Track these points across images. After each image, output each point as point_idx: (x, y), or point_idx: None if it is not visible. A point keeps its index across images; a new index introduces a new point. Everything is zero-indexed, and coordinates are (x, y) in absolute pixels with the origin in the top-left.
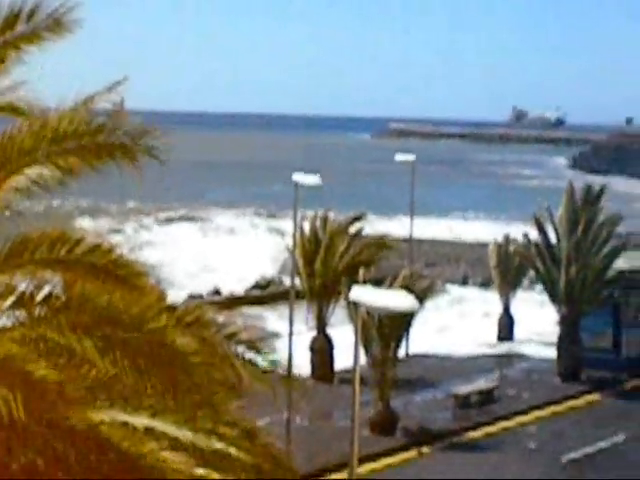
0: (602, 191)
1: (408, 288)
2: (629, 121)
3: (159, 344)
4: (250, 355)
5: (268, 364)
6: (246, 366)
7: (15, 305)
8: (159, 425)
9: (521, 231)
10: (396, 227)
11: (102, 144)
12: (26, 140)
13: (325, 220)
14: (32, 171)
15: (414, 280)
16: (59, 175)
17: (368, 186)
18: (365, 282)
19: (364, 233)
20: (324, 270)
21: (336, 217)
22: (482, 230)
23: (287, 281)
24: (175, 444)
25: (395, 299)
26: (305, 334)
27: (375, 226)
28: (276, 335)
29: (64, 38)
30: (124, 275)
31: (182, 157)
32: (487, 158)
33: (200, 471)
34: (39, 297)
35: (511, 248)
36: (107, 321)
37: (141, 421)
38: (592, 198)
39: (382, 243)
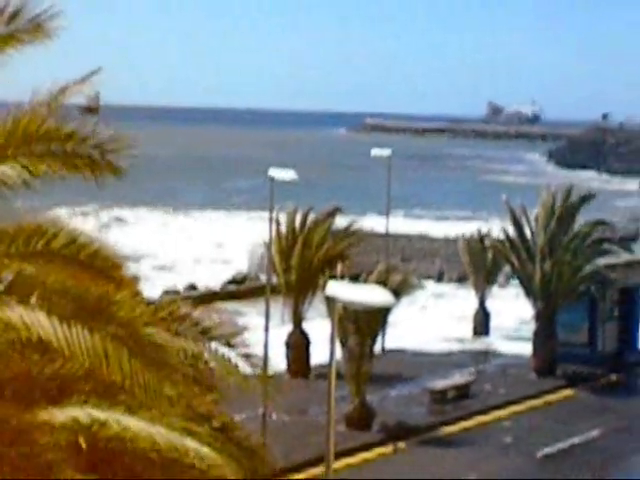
0: (589, 197)
1: (383, 283)
2: (605, 116)
3: (133, 335)
4: (224, 350)
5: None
6: (220, 361)
7: None
8: (133, 422)
9: (497, 227)
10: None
11: (69, 153)
12: None
13: (305, 215)
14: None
15: (389, 275)
16: (25, 175)
17: (344, 180)
18: (342, 277)
19: (339, 227)
20: (301, 265)
21: (311, 212)
22: (459, 226)
23: (263, 276)
24: (150, 441)
25: (371, 294)
26: (282, 329)
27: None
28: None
29: (44, 43)
30: (101, 267)
31: (152, 153)
32: (463, 153)
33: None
34: (3, 284)
35: (486, 243)
36: (83, 311)
37: (115, 417)
38: (572, 200)
39: (356, 237)
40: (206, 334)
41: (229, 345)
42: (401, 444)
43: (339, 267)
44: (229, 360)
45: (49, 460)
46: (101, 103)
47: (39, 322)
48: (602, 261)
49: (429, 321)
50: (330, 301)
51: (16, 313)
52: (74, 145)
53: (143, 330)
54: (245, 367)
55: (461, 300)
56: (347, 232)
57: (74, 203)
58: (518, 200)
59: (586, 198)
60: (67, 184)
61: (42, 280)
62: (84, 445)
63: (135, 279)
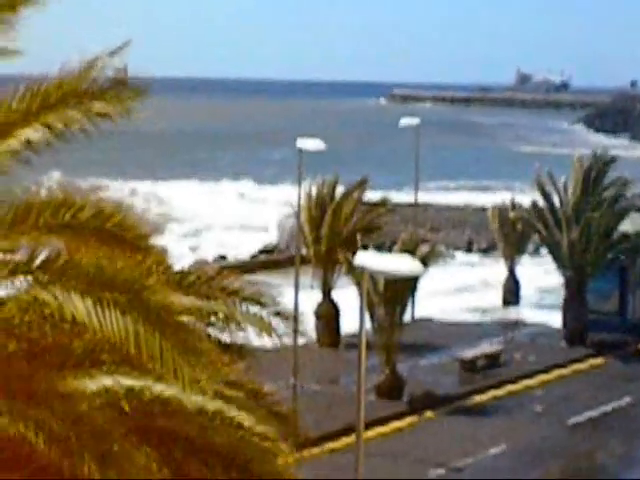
0: (612, 160)
1: (410, 252)
2: (634, 84)
3: (155, 303)
4: (255, 310)
5: None
6: (252, 320)
7: (14, 271)
8: (164, 389)
9: (527, 197)
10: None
11: (89, 107)
12: (19, 104)
13: (332, 186)
14: (23, 133)
15: (415, 244)
16: (48, 136)
17: (374, 150)
18: (366, 247)
19: (367, 198)
20: (330, 235)
21: (339, 182)
22: (488, 195)
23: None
24: (180, 408)
25: (400, 263)
26: (311, 299)
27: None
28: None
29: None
30: (129, 238)
31: (182, 127)
32: (491, 122)
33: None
34: (37, 262)
35: (512, 213)
36: (103, 283)
37: (147, 384)
38: (599, 164)
39: (386, 208)
40: (236, 295)
41: (260, 304)
42: (431, 413)
43: (358, 237)
44: (261, 318)
45: (92, 426)
46: (129, 75)
47: (72, 303)
48: (631, 228)
49: (458, 290)
50: (359, 271)
51: (50, 293)
52: (91, 96)
53: (175, 315)
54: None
55: (491, 269)
56: (376, 203)
57: (108, 176)
58: (547, 169)
59: (609, 162)
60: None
61: (76, 259)
62: (127, 408)
63: (164, 249)
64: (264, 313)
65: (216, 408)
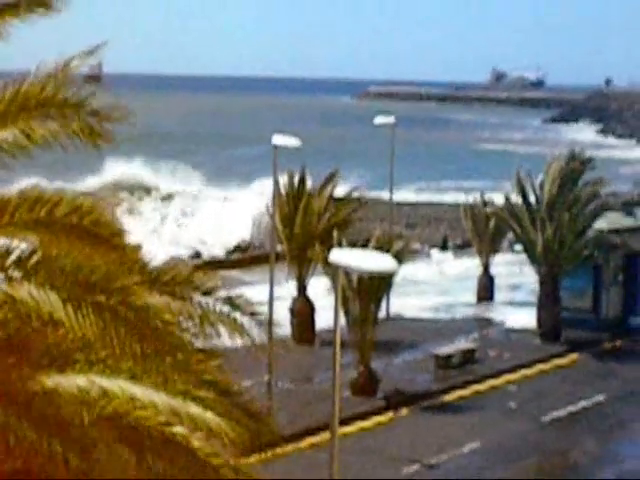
0: (589, 160)
1: (384, 249)
2: (608, 82)
3: (130, 304)
4: (228, 310)
5: None
6: (226, 321)
7: None
8: (137, 389)
9: (500, 195)
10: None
11: (67, 119)
12: None
13: (302, 180)
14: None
15: (389, 241)
16: (23, 141)
17: (349, 147)
18: (340, 244)
19: (341, 194)
20: (303, 232)
21: (308, 175)
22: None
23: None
24: (153, 408)
25: (375, 260)
26: (286, 297)
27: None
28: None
29: (49, 15)
30: (105, 235)
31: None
32: (467, 119)
33: (178, 429)
34: (11, 258)
35: (487, 209)
36: (78, 281)
37: (119, 384)
38: (576, 163)
39: (358, 203)
40: (209, 295)
41: (233, 305)
42: (405, 410)
43: (335, 234)
44: (234, 320)
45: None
46: (103, 71)
47: (49, 301)
48: (605, 226)
49: (434, 286)
50: (334, 268)
51: (26, 291)
52: (71, 111)
53: (138, 297)
54: (250, 328)
55: (465, 266)
56: (349, 199)
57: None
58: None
59: (586, 162)
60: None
61: (52, 256)
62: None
63: (138, 246)
64: (237, 315)
65: (187, 410)
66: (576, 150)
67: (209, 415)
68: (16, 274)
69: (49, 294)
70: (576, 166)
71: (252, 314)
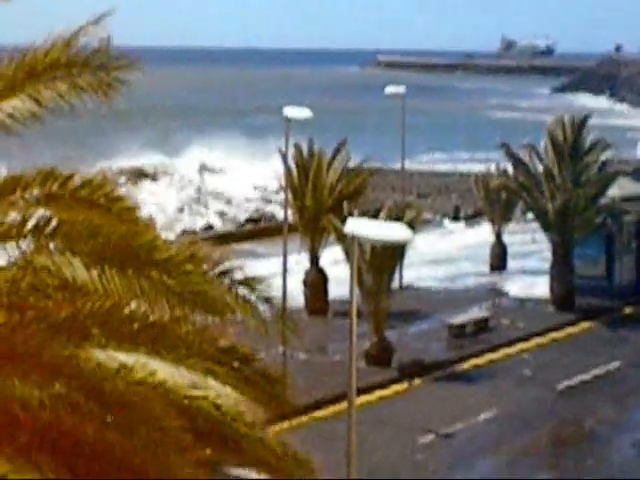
0: (586, 119)
1: (396, 218)
2: (618, 49)
3: (153, 259)
4: (244, 292)
5: None
6: (238, 303)
7: (4, 236)
8: (155, 363)
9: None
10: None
11: (75, 76)
12: (4, 73)
13: (310, 152)
14: (8, 104)
15: (401, 211)
16: (33, 107)
17: (361, 118)
18: (351, 215)
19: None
20: (314, 203)
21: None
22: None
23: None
24: (173, 381)
25: (390, 230)
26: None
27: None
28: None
29: None
30: (117, 209)
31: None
32: (476, 88)
33: (195, 393)
34: (28, 227)
35: (497, 180)
36: (101, 247)
37: (137, 358)
38: (576, 127)
39: (369, 173)
40: (225, 275)
41: (250, 287)
42: (419, 380)
43: (345, 205)
44: (249, 302)
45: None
46: (112, 44)
47: (69, 264)
48: (618, 193)
49: (446, 256)
50: (349, 239)
51: (45, 256)
52: (79, 69)
53: (180, 270)
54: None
55: (477, 235)
56: (360, 169)
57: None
58: (528, 136)
59: (585, 120)
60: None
61: (67, 223)
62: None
63: (152, 220)
64: (253, 297)
65: (206, 385)
66: (571, 116)
67: (228, 389)
68: (34, 242)
69: (70, 258)
70: (574, 129)
71: (267, 299)
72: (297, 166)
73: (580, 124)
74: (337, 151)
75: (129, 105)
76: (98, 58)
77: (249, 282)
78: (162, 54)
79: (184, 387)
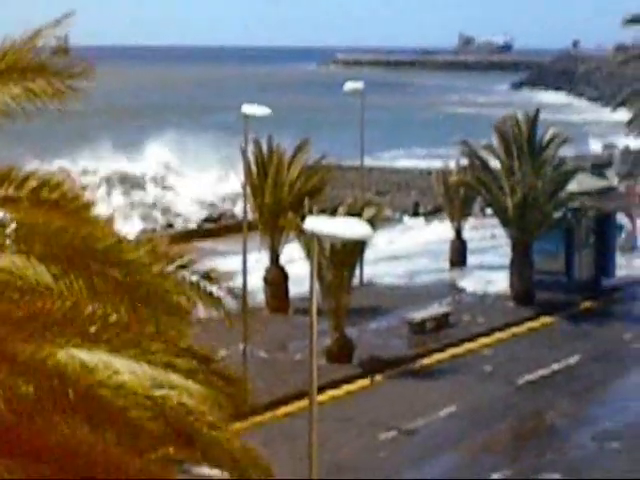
0: (538, 113)
1: (356, 215)
2: (575, 44)
3: (116, 261)
4: (204, 284)
5: None
6: (201, 295)
7: None
8: (117, 361)
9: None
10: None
11: (29, 81)
12: None
13: (270, 149)
14: None
15: (361, 207)
16: None
17: (319, 115)
18: (310, 212)
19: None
20: (273, 201)
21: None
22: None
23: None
24: (135, 378)
25: (350, 227)
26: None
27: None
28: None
29: None
30: (75, 208)
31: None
32: (434, 84)
33: (158, 393)
34: None
35: (455, 177)
36: (61, 248)
37: (99, 357)
38: (529, 121)
39: (327, 171)
40: (186, 268)
41: (209, 279)
42: (379, 377)
43: (306, 202)
44: (210, 293)
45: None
46: (72, 44)
47: (32, 268)
48: (576, 188)
49: (405, 252)
50: (309, 236)
51: (6, 259)
52: (34, 74)
53: (140, 269)
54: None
55: (436, 231)
56: (319, 166)
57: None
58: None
59: (536, 114)
60: None
61: (27, 225)
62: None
63: (110, 218)
64: (214, 289)
65: (169, 380)
66: (524, 111)
67: (190, 384)
68: None
69: (32, 261)
70: (527, 124)
71: (228, 289)
72: (256, 163)
73: (533, 118)
74: (298, 149)
75: (86, 105)
76: (54, 63)
77: (211, 274)
78: (122, 52)
79: (147, 386)
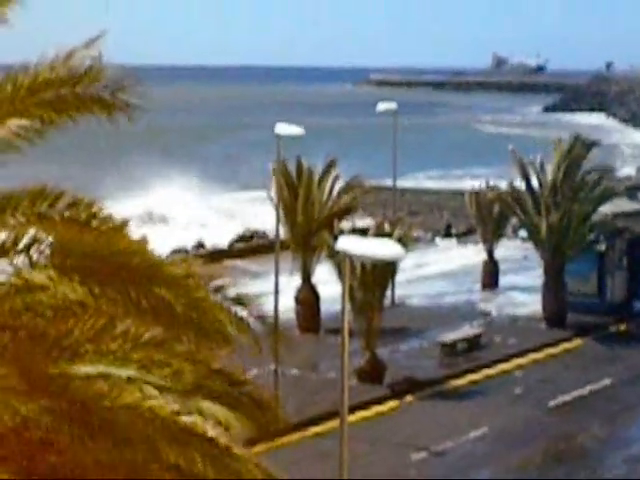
0: (593, 144)
1: (385, 235)
2: (609, 66)
3: (154, 283)
4: (237, 309)
5: None
6: (233, 320)
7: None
8: (147, 379)
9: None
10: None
11: (80, 96)
12: (4, 90)
13: (300, 168)
14: (12, 122)
15: (391, 228)
16: (38, 126)
17: (353, 135)
18: (341, 232)
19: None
20: (305, 220)
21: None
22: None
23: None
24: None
25: (382, 248)
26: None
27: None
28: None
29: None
30: (107, 229)
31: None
32: (466, 105)
33: (186, 419)
34: (21, 245)
35: (490, 195)
36: (97, 265)
37: (128, 374)
38: (579, 147)
39: (360, 190)
40: (219, 292)
41: (242, 304)
42: (410, 397)
43: (335, 223)
44: (241, 319)
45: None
46: (103, 63)
47: (68, 284)
48: (609, 210)
49: (438, 273)
50: (341, 256)
51: (43, 275)
52: (84, 88)
53: (180, 288)
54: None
55: (469, 253)
56: (351, 185)
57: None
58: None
59: (590, 145)
60: None
61: (61, 242)
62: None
63: (144, 239)
64: (245, 314)
65: (197, 405)
66: (580, 134)
67: (217, 408)
68: (26, 261)
69: (66, 278)
70: (580, 150)
71: (260, 317)
72: (287, 184)
73: (590, 144)
74: (328, 168)
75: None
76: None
77: (241, 299)
78: (157, 72)
79: (174, 413)
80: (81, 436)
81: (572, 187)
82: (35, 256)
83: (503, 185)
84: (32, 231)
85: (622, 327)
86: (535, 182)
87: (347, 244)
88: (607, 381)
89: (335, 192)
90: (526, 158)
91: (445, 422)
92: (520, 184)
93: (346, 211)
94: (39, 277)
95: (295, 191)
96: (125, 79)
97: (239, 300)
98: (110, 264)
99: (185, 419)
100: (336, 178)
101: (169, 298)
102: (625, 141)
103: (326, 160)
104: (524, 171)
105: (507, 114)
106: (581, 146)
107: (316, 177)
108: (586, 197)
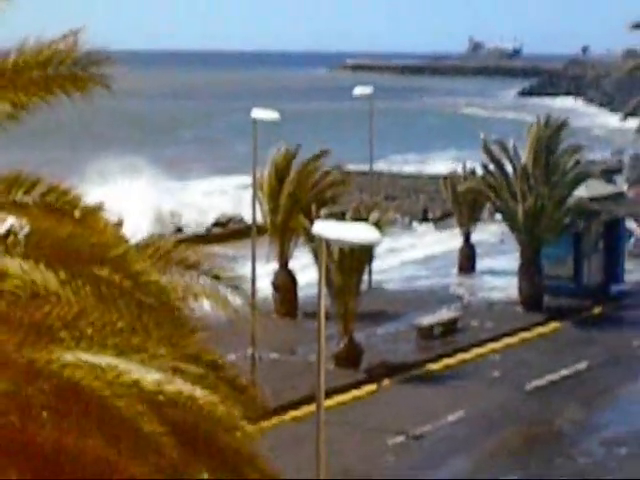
0: (563, 124)
1: (362, 220)
2: (585, 50)
3: (122, 272)
4: (213, 285)
5: None
6: (209, 294)
7: None
8: (123, 365)
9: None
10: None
11: (52, 75)
12: None
13: (292, 155)
14: None
15: (366, 212)
16: (8, 109)
17: (329, 118)
18: (318, 216)
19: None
20: (289, 205)
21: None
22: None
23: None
24: (140, 385)
25: (359, 232)
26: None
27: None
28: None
29: None
30: (82, 215)
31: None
32: (444, 89)
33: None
34: None
35: (466, 183)
36: (69, 254)
37: (105, 361)
38: (551, 130)
39: (341, 176)
40: (193, 268)
41: (217, 278)
42: (387, 381)
43: (313, 208)
44: (218, 292)
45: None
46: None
47: (41, 273)
48: (585, 194)
49: (414, 257)
50: (317, 240)
51: (15, 264)
52: (54, 67)
53: (130, 267)
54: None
55: (445, 236)
56: (331, 172)
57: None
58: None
59: (561, 126)
60: None
61: (36, 231)
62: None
63: (119, 223)
64: (221, 287)
65: (175, 389)
66: (550, 115)
67: (198, 391)
68: (1, 249)
69: (41, 267)
70: (551, 132)
71: (235, 287)
72: (274, 168)
73: (560, 126)
74: (317, 155)
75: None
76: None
77: (216, 274)
78: (133, 57)
79: (157, 384)
80: (69, 419)
81: (545, 171)
82: (10, 243)
83: (479, 168)
84: (8, 218)
85: (598, 310)
86: (509, 167)
87: (323, 228)
88: (583, 364)
89: (321, 179)
90: (500, 142)
91: (423, 406)
92: (494, 169)
93: (330, 199)
94: (12, 264)
95: (283, 176)
96: (98, 57)
97: (215, 275)
98: (82, 254)
99: (169, 388)
100: (319, 165)
101: (138, 288)
102: (601, 124)
103: (304, 145)
104: (493, 158)
105: (483, 98)
106: (552, 128)
107: (301, 162)
108: (559, 180)
